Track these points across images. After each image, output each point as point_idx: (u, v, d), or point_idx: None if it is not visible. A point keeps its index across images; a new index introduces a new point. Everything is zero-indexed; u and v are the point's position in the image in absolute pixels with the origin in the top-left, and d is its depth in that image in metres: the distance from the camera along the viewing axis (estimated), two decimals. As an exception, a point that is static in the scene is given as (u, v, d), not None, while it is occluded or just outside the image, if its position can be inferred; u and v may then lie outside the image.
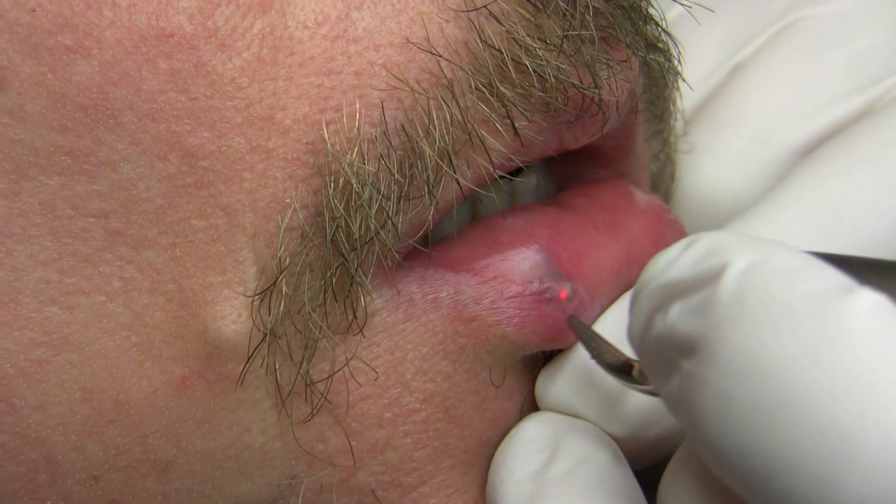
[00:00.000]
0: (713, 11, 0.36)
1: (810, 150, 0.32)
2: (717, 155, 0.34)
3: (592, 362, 0.28)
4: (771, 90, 0.34)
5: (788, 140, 0.33)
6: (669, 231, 0.32)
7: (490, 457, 0.29)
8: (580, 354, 0.29)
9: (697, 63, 0.37)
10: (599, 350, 0.27)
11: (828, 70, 0.34)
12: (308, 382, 0.26)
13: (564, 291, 0.28)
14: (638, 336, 0.23)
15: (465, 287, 0.28)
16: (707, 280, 0.21)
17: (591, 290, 0.29)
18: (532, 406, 0.30)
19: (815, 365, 0.18)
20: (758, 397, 0.19)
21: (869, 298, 0.19)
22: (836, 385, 0.18)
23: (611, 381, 0.28)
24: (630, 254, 0.30)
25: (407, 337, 0.27)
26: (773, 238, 0.26)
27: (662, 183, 0.35)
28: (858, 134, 0.30)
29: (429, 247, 0.28)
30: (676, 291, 0.22)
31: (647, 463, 0.28)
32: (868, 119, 0.31)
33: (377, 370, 0.27)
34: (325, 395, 0.26)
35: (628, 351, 0.26)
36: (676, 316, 0.21)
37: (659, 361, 0.22)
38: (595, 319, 0.29)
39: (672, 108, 0.33)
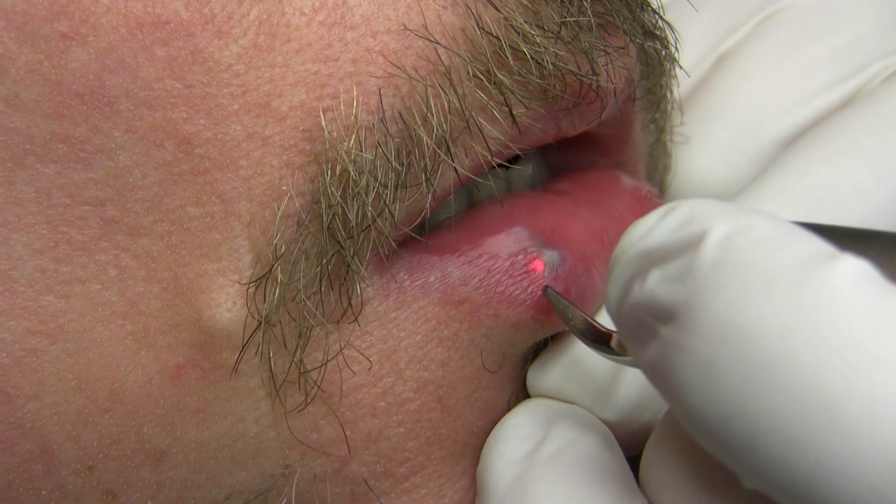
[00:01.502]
0: None
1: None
2: (704, 146, 0.35)
3: (584, 350, 0.28)
4: (757, 81, 0.35)
5: (775, 130, 0.34)
6: None
7: (480, 447, 0.29)
8: (571, 342, 0.29)
9: (681, 53, 0.37)
10: (575, 320, 0.27)
11: (812, 60, 0.34)
12: (302, 371, 0.26)
13: (549, 258, 0.29)
14: (615, 303, 0.24)
15: (451, 269, 0.28)
16: (686, 247, 0.21)
17: (583, 258, 0.29)
18: (522, 398, 0.30)
19: (799, 331, 0.19)
20: (739, 363, 0.19)
21: (851, 264, 0.19)
22: (819, 351, 0.19)
23: (603, 368, 0.28)
24: (619, 229, 0.30)
25: (400, 325, 0.27)
26: None
27: (657, 173, 0.35)
28: (842, 122, 0.31)
29: (425, 235, 0.28)
30: (655, 258, 0.22)
31: (640, 448, 0.29)
32: (851, 107, 0.31)
33: (370, 359, 0.27)
34: (318, 383, 0.27)
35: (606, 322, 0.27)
36: (655, 283, 0.22)
37: (636, 329, 0.22)
38: (601, 292, 0.30)
39: (668, 96, 0.34)
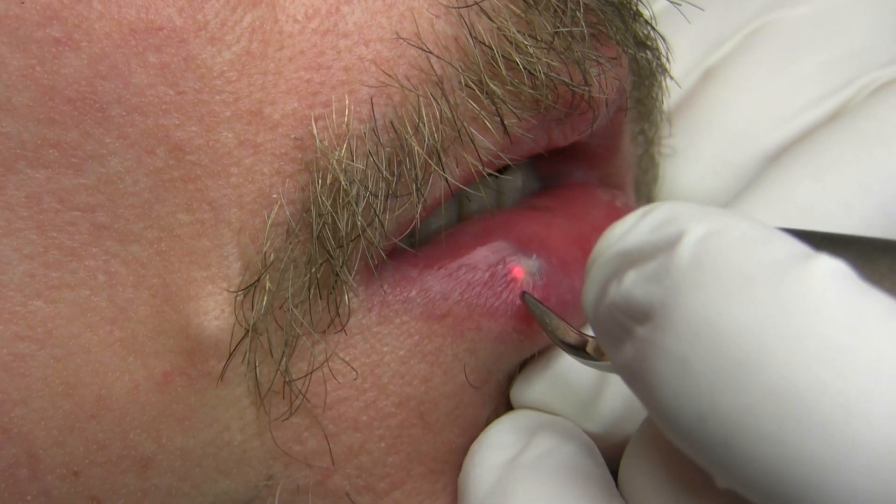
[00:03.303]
0: (702, 10, 0.37)
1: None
2: (691, 160, 0.35)
3: (568, 363, 0.29)
4: (744, 95, 0.35)
5: (763, 145, 0.34)
6: None
7: (460, 464, 0.30)
8: (555, 356, 0.30)
9: (672, 65, 0.38)
10: (553, 326, 0.28)
11: (801, 74, 0.35)
12: (287, 380, 0.27)
13: (528, 266, 0.29)
14: (592, 304, 0.24)
15: (432, 283, 0.29)
16: (663, 247, 0.22)
17: (563, 264, 0.30)
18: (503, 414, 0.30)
19: (774, 329, 0.19)
20: (714, 361, 0.20)
21: (827, 263, 0.20)
22: (794, 349, 0.19)
23: (586, 381, 0.29)
24: (598, 237, 0.31)
25: (382, 340, 0.28)
26: None
27: (645, 184, 0.36)
28: (827, 137, 0.31)
29: (416, 246, 0.29)
30: (632, 259, 0.23)
31: None
32: (836, 122, 0.32)
33: (355, 370, 0.28)
34: (303, 392, 0.27)
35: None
36: (631, 283, 0.22)
37: (613, 329, 0.23)
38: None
39: (658, 107, 0.35)
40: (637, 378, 0.22)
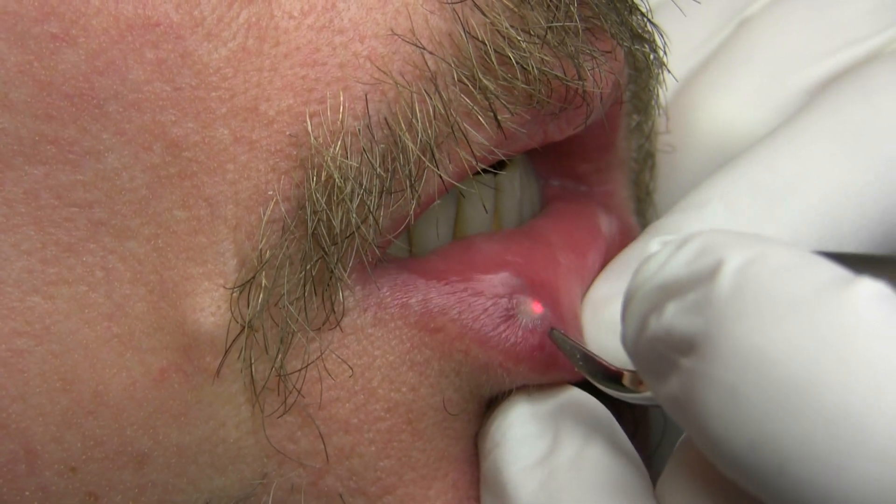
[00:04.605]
0: (699, 2, 0.38)
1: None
2: (731, 91, 0.36)
3: None
4: (784, 34, 0.36)
5: (803, 78, 0.35)
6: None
7: (452, 473, 0.31)
8: None
9: (703, 19, 0.38)
10: (585, 361, 0.28)
11: (842, 17, 0.35)
12: (281, 375, 0.28)
13: (531, 311, 0.30)
14: (632, 339, 0.25)
15: (433, 295, 0.29)
16: (703, 278, 0.22)
17: (563, 322, 0.30)
18: None
19: (823, 353, 0.20)
20: (765, 388, 0.20)
21: (869, 286, 0.21)
22: (845, 372, 0.20)
23: None
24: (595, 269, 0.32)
25: (374, 343, 0.29)
26: (794, 169, 0.28)
27: (642, 176, 0.37)
28: (878, 66, 0.32)
29: (413, 254, 0.29)
30: (671, 291, 0.23)
31: None
32: (889, 54, 0.33)
33: (350, 368, 0.29)
34: (298, 388, 0.28)
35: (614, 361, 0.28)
36: (672, 315, 0.23)
37: (655, 362, 0.24)
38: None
39: (655, 101, 0.35)
40: (684, 409, 0.23)
